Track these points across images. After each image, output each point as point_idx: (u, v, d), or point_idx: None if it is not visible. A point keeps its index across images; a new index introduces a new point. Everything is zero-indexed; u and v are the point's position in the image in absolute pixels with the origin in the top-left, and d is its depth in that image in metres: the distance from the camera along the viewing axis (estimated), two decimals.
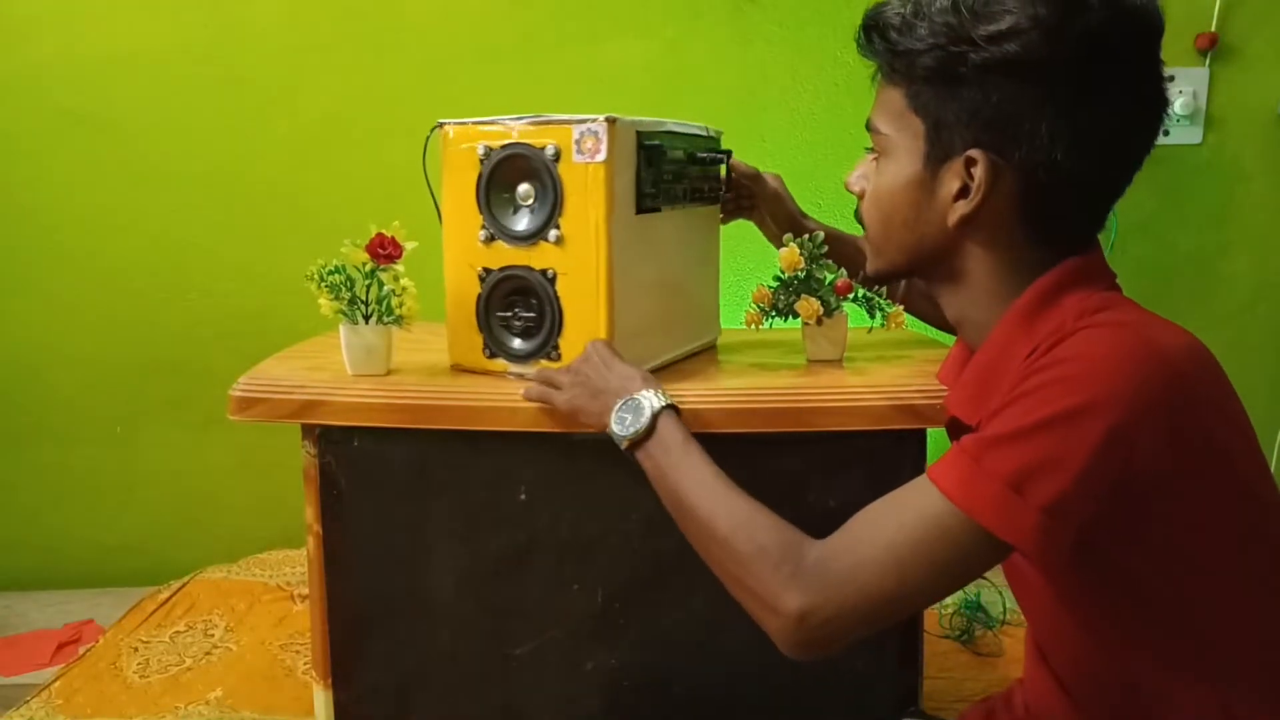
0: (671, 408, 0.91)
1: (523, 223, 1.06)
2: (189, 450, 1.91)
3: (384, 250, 1.07)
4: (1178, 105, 1.71)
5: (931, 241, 0.83)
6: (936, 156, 0.79)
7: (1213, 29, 1.70)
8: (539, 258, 1.05)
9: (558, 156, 1.01)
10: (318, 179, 1.82)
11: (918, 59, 0.77)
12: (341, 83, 1.80)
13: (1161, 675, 0.78)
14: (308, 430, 1.09)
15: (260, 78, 1.80)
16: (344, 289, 1.08)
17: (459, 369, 1.14)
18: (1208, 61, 1.73)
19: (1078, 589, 0.80)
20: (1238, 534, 0.74)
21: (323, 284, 1.08)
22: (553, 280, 1.05)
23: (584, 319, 1.04)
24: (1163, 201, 1.79)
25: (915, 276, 0.89)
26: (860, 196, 0.89)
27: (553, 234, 1.03)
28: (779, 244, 1.19)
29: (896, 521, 0.73)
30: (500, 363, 1.11)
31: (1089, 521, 0.70)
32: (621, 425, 0.90)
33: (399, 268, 1.09)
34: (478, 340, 1.11)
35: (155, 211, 1.83)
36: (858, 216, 0.91)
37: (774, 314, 1.16)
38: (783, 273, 1.15)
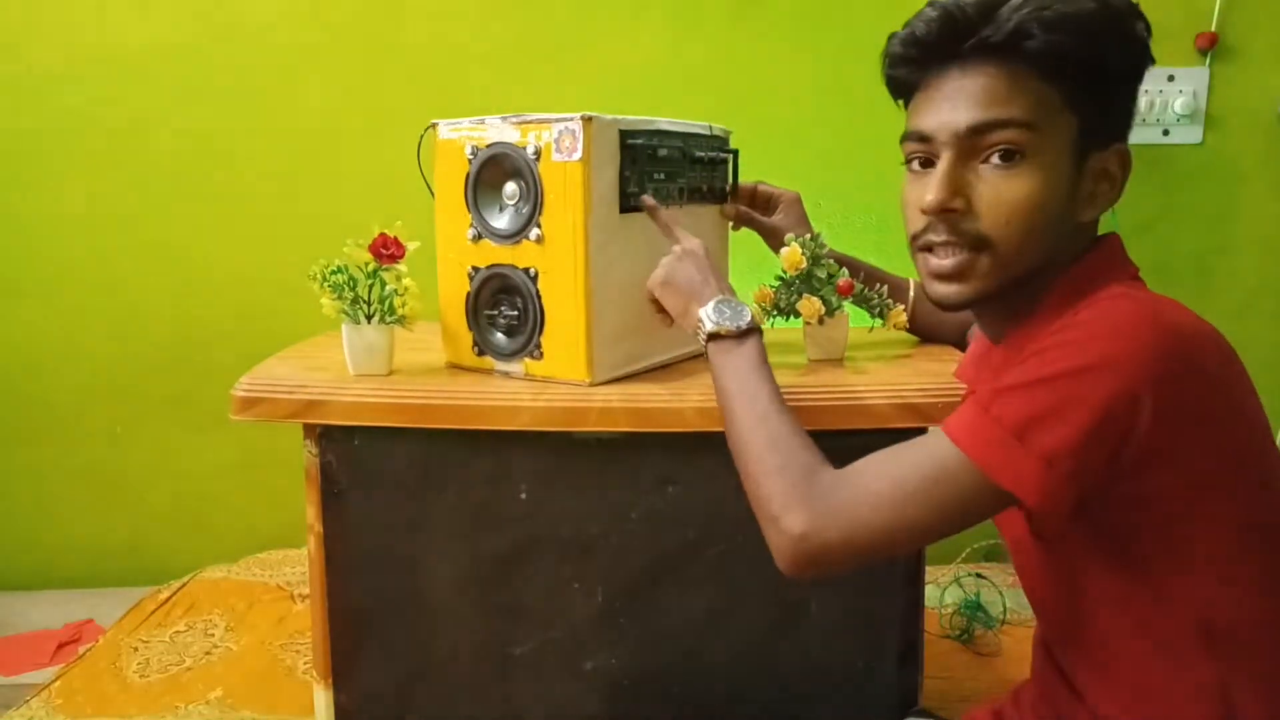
0: (762, 332, 0.94)
1: (506, 221, 1.07)
2: (189, 450, 1.91)
3: (386, 250, 1.07)
4: (1178, 105, 1.71)
5: (1063, 241, 0.82)
6: (1082, 153, 0.81)
7: (1213, 29, 1.70)
8: (522, 256, 1.06)
9: (538, 155, 1.02)
10: (318, 179, 1.82)
11: (1088, 53, 0.77)
12: (341, 83, 1.80)
13: (1164, 663, 0.78)
14: (309, 430, 1.09)
15: (260, 78, 1.80)
16: (346, 289, 1.08)
17: (453, 366, 1.15)
18: (1208, 61, 1.72)
19: (1084, 573, 0.81)
20: (1244, 520, 0.75)
21: (325, 284, 1.08)
22: (534, 278, 1.06)
23: (564, 317, 1.05)
24: (1163, 201, 1.79)
25: (1016, 288, 0.83)
26: (958, 212, 0.81)
27: (534, 233, 1.04)
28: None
29: (905, 459, 0.77)
30: (489, 360, 1.12)
31: (1092, 487, 0.72)
32: (719, 315, 0.93)
33: (401, 267, 1.09)
34: (468, 337, 1.12)
35: (155, 211, 1.83)
36: (966, 235, 0.81)
37: (776, 314, 1.17)
38: (785, 272, 1.15)
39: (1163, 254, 1.82)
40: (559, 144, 1.01)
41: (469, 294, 1.11)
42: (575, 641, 1.12)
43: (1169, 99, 1.70)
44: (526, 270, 1.06)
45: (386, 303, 1.09)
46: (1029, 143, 0.78)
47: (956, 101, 0.80)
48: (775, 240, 1.23)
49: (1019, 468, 0.71)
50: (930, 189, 0.81)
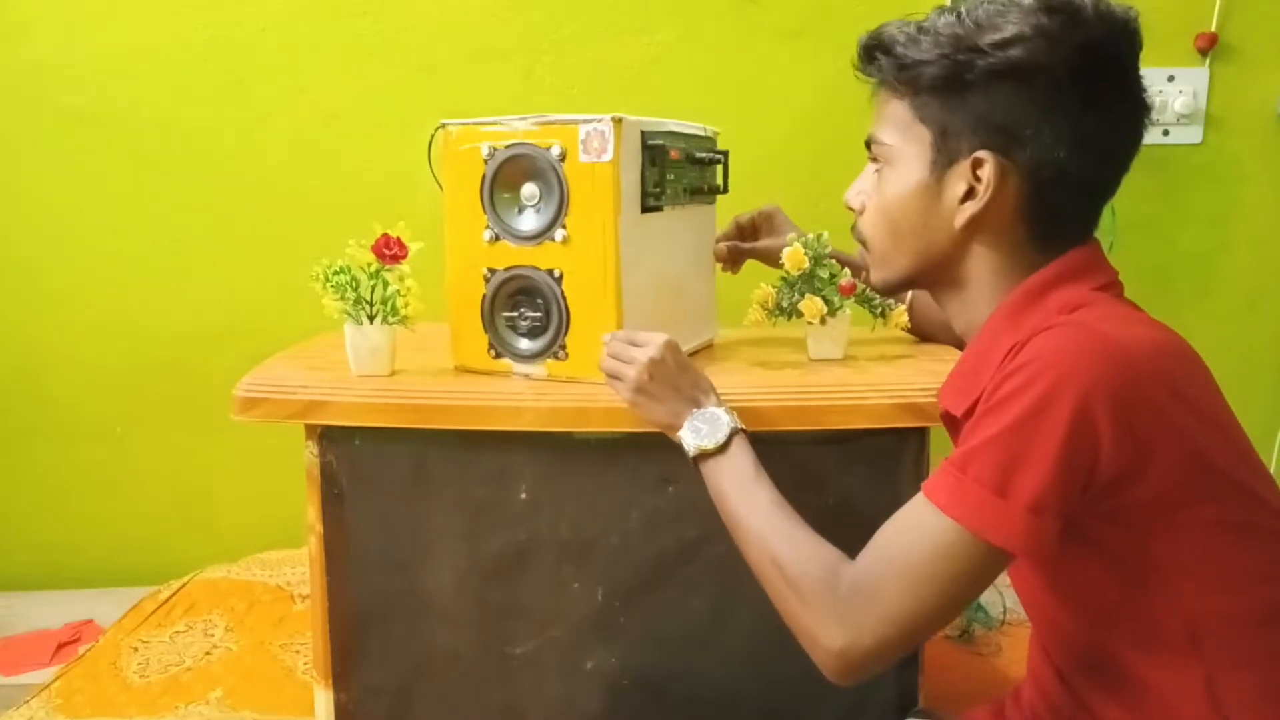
0: (744, 430, 0.94)
1: (528, 223, 1.06)
2: (189, 450, 1.90)
3: (389, 251, 1.07)
4: (1178, 105, 1.71)
5: (938, 246, 0.85)
6: (943, 162, 0.83)
7: (1213, 29, 1.70)
8: (545, 257, 1.05)
9: (563, 156, 1.01)
10: (318, 179, 1.82)
11: (925, 69, 0.81)
12: (341, 83, 1.80)
13: (1153, 664, 0.79)
14: (310, 430, 1.10)
15: (260, 78, 1.79)
16: (349, 289, 1.08)
17: (463, 370, 1.14)
18: (1208, 61, 1.72)
19: (1070, 581, 0.82)
20: (1219, 523, 0.76)
21: (328, 284, 1.08)
22: (559, 280, 1.05)
23: (592, 318, 1.04)
24: (1163, 201, 1.79)
25: (920, 285, 0.91)
26: (859, 212, 0.92)
27: (559, 234, 1.03)
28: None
29: (905, 542, 0.77)
30: (505, 363, 1.11)
31: (1073, 511, 0.73)
32: (696, 435, 0.93)
33: (404, 268, 1.09)
34: (483, 341, 1.11)
35: (155, 211, 1.83)
36: (856, 233, 0.93)
37: (778, 313, 1.17)
38: (787, 272, 1.16)
39: (1163, 254, 1.82)
40: (586, 145, 1.00)
41: (484, 296, 1.09)
42: (575, 641, 1.13)
43: (1169, 99, 1.70)
44: (550, 271, 1.05)
45: (389, 303, 1.09)
46: (886, 155, 0.87)
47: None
48: (773, 259, 1.24)
49: (1008, 524, 0.72)
50: None
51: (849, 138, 1.77)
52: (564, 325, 1.06)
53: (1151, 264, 1.81)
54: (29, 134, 1.81)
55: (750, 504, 0.88)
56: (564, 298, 1.05)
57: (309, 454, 1.10)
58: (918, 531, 0.76)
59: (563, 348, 1.07)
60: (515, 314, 1.09)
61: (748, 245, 1.31)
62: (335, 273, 1.08)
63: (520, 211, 1.07)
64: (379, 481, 1.11)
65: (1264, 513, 0.77)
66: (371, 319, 1.09)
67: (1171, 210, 1.80)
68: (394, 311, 1.09)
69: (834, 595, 0.78)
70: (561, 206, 1.03)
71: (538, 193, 1.05)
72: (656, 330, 1.02)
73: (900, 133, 0.85)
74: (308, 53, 1.79)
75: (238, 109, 1.80)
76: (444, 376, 1.13)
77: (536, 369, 1.09)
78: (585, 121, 1.01)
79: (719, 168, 1.24)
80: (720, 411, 0.94)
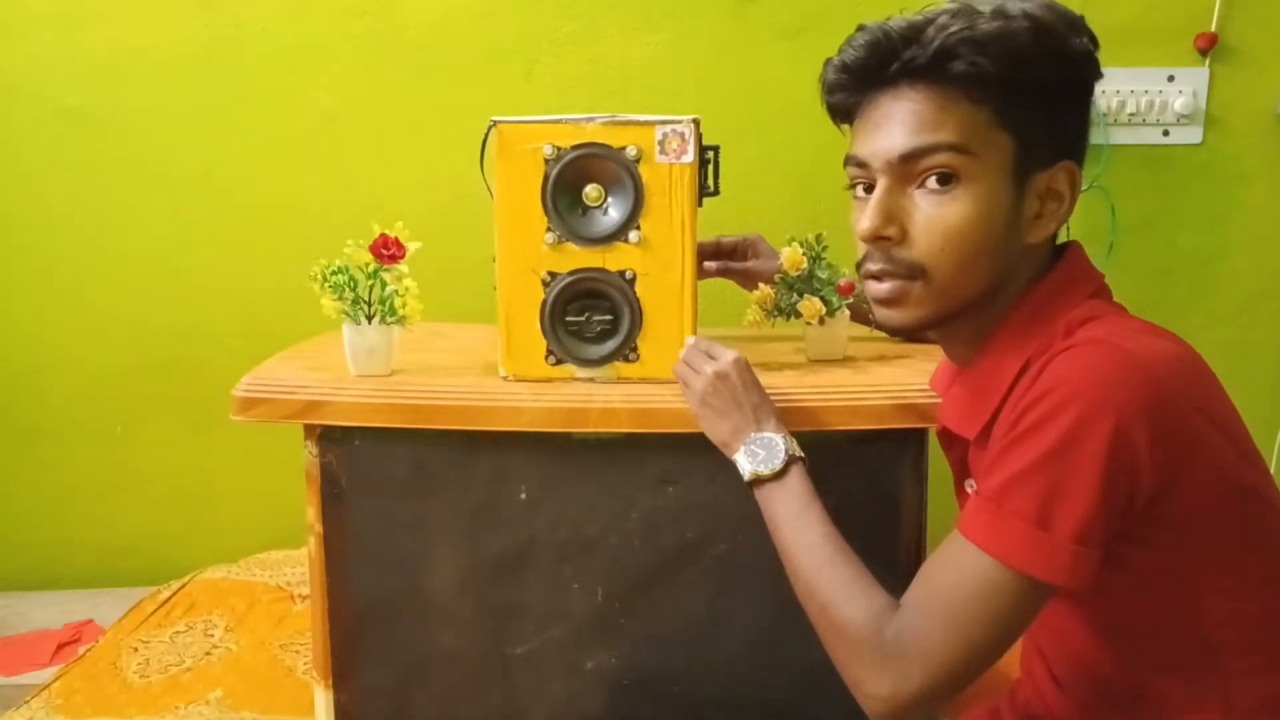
0: (802, 458, 0.91)
1: (597, 224, 1.04)
2: (189, 450, 1.91)
3: (388, 250, 1.07)
4: (1178, 105, 1.71)
5: (1005, 264, 0.80)
6: (1023, 173, 0.78)
7: (1213, 29, 1.70)
8: (616, 259, 1.04)
9: (639, 157, 1.01)
10: (318, 179, 1.82)
11: (1019, 73, 0.75)
12: (341, 83, 1.80)
13: (1164, 676, 0.79)
14: (309, 430, 1.10)
15: (260, 78, 1.79)
16: (347, 289, 1.08)
17: (518, 379, 1.09)
18: (1208, 61, 1.72)
19: (1082, 598, 0.81)
20: (1235, 533, 0.75)
21: (326, 284, 1.08)
22: (631, 281, 1.04)
23: (666, 318, 1.04)
24: (1163, 201, 1.79)
25: (962, 315, 0.82)
26: (895, 241, 0.80)
27: (634, 235, 1.03)
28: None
29: (949, 584, 0.74)
30: (566, 369, 1.08)
31: (1115, 534, 0.72)
32: (753, 460, 0.91)
33: (402, 268, 1.09)
34: (540, 347, 1.08)
35: (155, 211, 1.83)
36: (897, 264, 0.80)
37: (777, 314, 1.17)
38: (786, 273, 1.16)
39: (1163, 254, 1.82)
40: (664, 146, 1.00)
41: (545, 302, 1.06)
42: (575, 641, 1.13)
43: (1169, 99, 1.70)
44: (622, 273, 1.05)
45: (387, 303, 1.09)
46: (962, 166, 0.77)
47: (889, 128, 0.79)
48: (752, 283, 1.24)
49: (1053, 558, 0.70)
50: (865, 216, 0.80)
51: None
52: (636, 327, 1.06)
53: (1151, 264, 1.81)
54: (29, 134, 1.81)
55: (800, 540, 0.85)
56: (638, 300, 1.05)
57: (308, 454, 1.10)
58: (958, 573, 0.73)
59: (633, 349, 1.06)
60: (582, 318, 1.07)
61: (738, 265, 1.29)
62: (333, 273, 1.08)
63: (584, 213, 1.05)
64: (379, 481, 1.11)
65: (1275, 517, 0.77)
66: (370, 319, 1.09)
67: (1171, 210, 1.80)
68: (392, 311, 1.09)
69: (879, 643, 0.75)
70: (637, 208, 1.02)
71: (603, 193, 1.03)
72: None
73: (979, 140, 0.76)
74: (307, 53, 1.79)
75: (238, 109, 1.80)
76: (442, 376, 1.13)
77: (604, 372, 1.08)
78: (662, 123, 1.00)
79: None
80: (779, 438, 0.91)
